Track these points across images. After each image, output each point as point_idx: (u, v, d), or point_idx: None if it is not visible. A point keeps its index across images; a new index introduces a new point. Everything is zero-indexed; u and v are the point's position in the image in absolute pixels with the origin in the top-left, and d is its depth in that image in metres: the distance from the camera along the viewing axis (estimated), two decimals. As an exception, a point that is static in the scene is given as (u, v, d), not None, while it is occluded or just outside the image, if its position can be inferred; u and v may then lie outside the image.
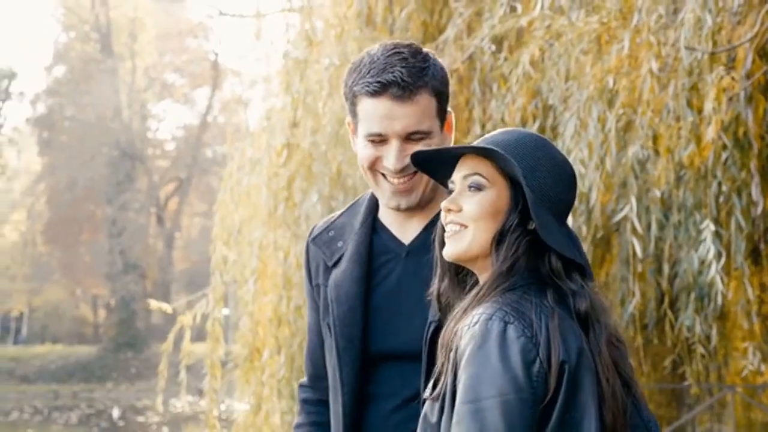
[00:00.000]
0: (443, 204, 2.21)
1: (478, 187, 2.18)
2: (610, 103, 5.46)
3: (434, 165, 2.31)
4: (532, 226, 2.15)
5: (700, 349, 6.69)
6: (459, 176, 2.22)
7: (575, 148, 5.35)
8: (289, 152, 7.16)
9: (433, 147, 2.41)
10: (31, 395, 37.20)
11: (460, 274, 2.30)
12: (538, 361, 1.99)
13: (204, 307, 8.01)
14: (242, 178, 7.70)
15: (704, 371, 7.73)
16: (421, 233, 2.55)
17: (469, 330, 2.03)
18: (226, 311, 8.39)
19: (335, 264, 2.62)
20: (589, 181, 5.34)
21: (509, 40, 6.33)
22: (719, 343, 7.59)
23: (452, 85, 6.45)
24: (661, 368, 9.13)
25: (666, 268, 6.37)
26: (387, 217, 2.62)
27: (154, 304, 9.20)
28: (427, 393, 2.17)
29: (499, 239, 2.15)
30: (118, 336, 43.27)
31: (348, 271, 2.57)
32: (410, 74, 2.40)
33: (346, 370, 2.53)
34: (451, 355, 2.08)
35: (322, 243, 2.69)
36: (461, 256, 2.19)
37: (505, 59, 6.14)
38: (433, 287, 2.33)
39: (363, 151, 2.50)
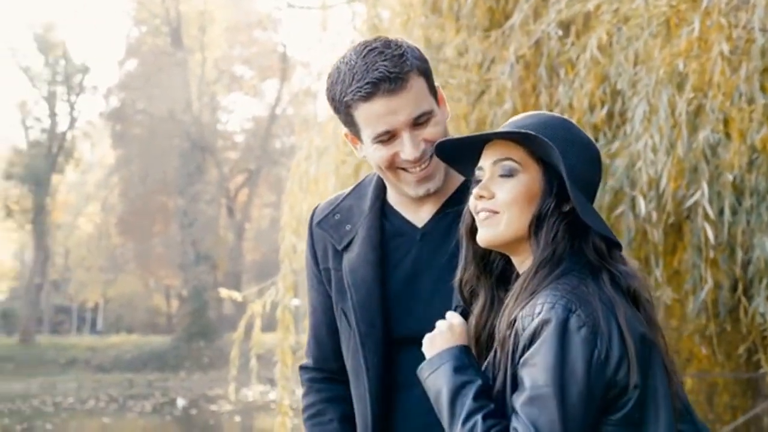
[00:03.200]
0: (475, 191, 2.19)
1: (510, 173, 2.15)
2: (680, 87, 5.37)
3: (457, 152, 2.29)
4: (566, 208, 2.13)
5: (775, 337, 6.58)
6: (488, 162, 2.19)
7: (645, 133, 5.28)
8: (355, 140, 7.17)
9: (437, 124, 2.45)
10: (106, 384, 37.73)
11: (485, 263, 2.28)
12: (597, 352, 1.98)
13: (273, 296, 8.04)
14: (310, 167, 7.72)
15: (780, 359, 7.60)
16: (434, 216, 2.54)
17: (533, 320, 2.01)
18: (296, 301, 8.42)
19: (346, 248, 2.61)
20: (659, 166, 5.27)
21: (576, 25, 6.26)
22: (795, 331, 7.45)
23: (519, 71, 6.45)
24: (735, 357, 8.98)
25: (739, 254, 6.25)
26: (397, 200, 2.61)
27: (224, 292, 9.27)
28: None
29: (537, 224, 2.12)
30: (190, 326, 43.72)
31: (362, 255, 2.57)
32: (394, 64, 2.39)
33: (370, 356, 2.54)
34: (510, 346, 2.06)
35: (329, 226, 2.68)
36: (495, 242, 2.17)
37: (573, 44, 6.08)
38: (457, 276, 2.32)
39: (376, 153, 2.48)
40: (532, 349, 2.00)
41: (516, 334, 2.04)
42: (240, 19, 50.04)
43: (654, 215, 5.59)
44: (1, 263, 53.56)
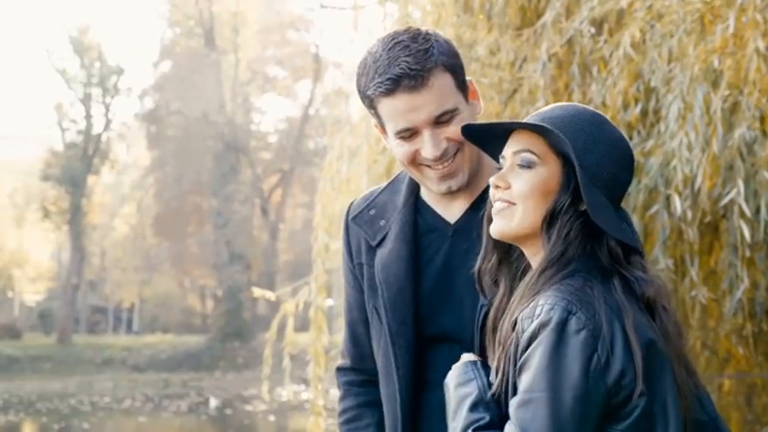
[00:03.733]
0: (492, 180, 2.13)
1: (529, 165, 2.08)
2: (715, 84, 5.33)
3: (485, 138, 2.22)
4: (583, 207, 2.05)
5: (813, 337, 6.52)
6: (509, 152, 2.12)
7: (679, 131, 5.24)
8: (387, 140, 7.17)
9: (462, 121, 2.36)
10: (142, 384, 37.95)
11: (505, 252, 2.21)
12: (596, 356, 1.91)
13: (306, 296, 8.05)
14: (342, 167, 7.72)
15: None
16: (466, 211, 2.49)
17: (532, 322, 1.95)
18: (329, 301, 8.42)
19: (379, 244, 2.57)
20: (694, 164, 5.22)
21: (609, 22, 6.22)
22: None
23: (551, 70, 6.41)
24: (772, 357, 8.92)
25: (776, 252, 6.20)
26: (430, 196, 2.55)
27: (257, 292, 9.29)
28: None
29: (549, 220, 2.05)
30: (225, 326, 43.90)
31: (395, 251, 2.52)
32: (416, 60, 2.32)
33: (401, 353, 2.48)
34: (511, 348, 2.00)
35: (363, 222, 2.63)
36: (508, 234, 2.11)
37: (605, 42, 6.04)
38: (476, 265, 2.26)
39: (398, 149, 2.43)
40: (528, 352, 1.94)
41: (517, 337, 1.99)
42: (273, 20, 50.22)
43: (689, 214, 5.54)
44: (39, 264, 54.00)
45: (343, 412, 2.75)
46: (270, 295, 9.01)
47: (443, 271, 2.47)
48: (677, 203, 5.37)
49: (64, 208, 46.37)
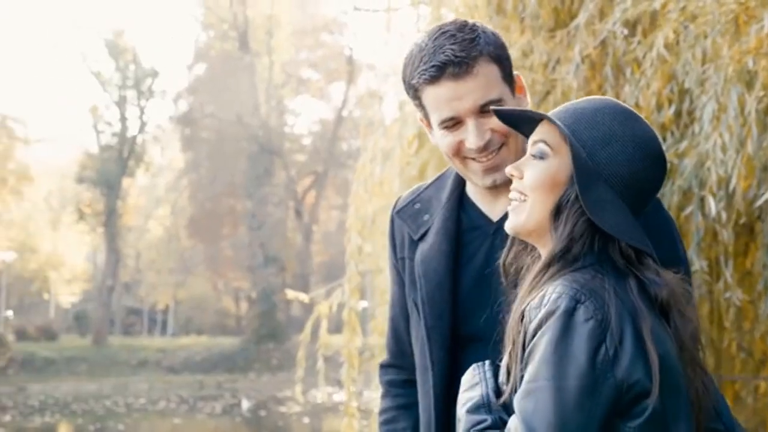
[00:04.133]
0: (507, 169, 2.09)
1: (541, 156, 2.02)
2: (750, 85, 5.29)
3: (521, 126, 2.15)
4: None
5: None
6: (530, 142, 2.08)
7: (714, 132, 5.21)
8: (420, 142, 7.17)
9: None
10: (177, 385, 38.19)
11: (530, 249, 2.13)
12: (604, 347, 1.83)
13: (340, 297, 8.07)
14: (375, 170, 7.74)
15: None
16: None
17: (539, 311, 1.88)
18: (363, 303, 8.44)
19: (421, 238, 2.53)
20: (729, 165, 5.18)
21: (642, 24, 6.19)
22: None
23: (584, 71, 6.40)
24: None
25: (813, 254, 6.16)
26: (475, 192, 2.51)
27: (291, 294, 9.31)
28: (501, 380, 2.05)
29: (555, 214, 1.98)
30: (259, 328, 44.09)
31: (436, 246, 2.48)
32: (462, 48, 2.27)
33: (436, 349, 2.44)
34: (519, 339, 1.93)
35: (407, 216, 2.60)
36: (519, 230, 2.06)
37: (639, 43, 6.01)
38: (501, 257, 2.19)
39: (443, 140, 2.39)
40: (534, 341, 1.87)
41: (524, 328, 1.92)
42: (306, 22, 50.37)
43: (724, 215, 5.50)
44: (74, 266, 54.41)
45: (383, 411, 2.75)
46: (304, 297, 9.04)
47: (482, 270, 2.41)
48: (712, 205, 5.34)
49: (99, 210, 46.74)
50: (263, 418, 28.42)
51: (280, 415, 28.91)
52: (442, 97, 2.31)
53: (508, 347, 2.00)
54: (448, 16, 7.69)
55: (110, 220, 45.83)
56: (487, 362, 2.13)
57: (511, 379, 1.96)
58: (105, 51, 47.67)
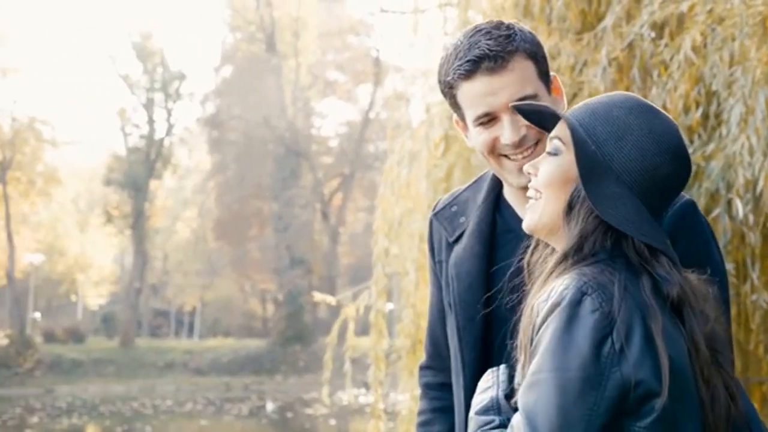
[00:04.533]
0: (525, 166, 2.08)
1: (555, 152, 2.00)
2: (777, 87, 5.29)
3: (547, 125, 2.12)
4: None
5: None
6: (548, 139, 2.06)
7: (741, 134, 5.21)
8: (447, 144, 7.18)
9: None
10: (204, 387, 38.36)
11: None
12: (610, 341, 1.77)
13: (367, 300, 8.09)
14: (402, 172, 7.75)
15: None
16: None
17: (546, 304, 1.84)
18: (390, 306, 8.45)
19: (456, 240, 2.52)
20: (756, 168, 5.18)
21: (670, 26, 6.19)
22: None
23: (612, 74, 6.40)
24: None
25: (840, 257, 6.13)
26: (511, 194, 2.49)
27: (317, 296, 9.34)
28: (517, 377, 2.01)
29: (568, 210, 1.95)
30: (286, 330, 44.17)
31: (469, 248, 2.47)
32: (498, 43, 2.26)
33: (468, 350, 2.43)
34: (529, 334, 1.88)
35: (444, 218, 2.59)
36: (534, 228, 2.03)
37: (666, 45, 6.01)
38: (526, 257, 2.15)
39: (477, 138, 2.37)
40: (539, 334, 1.83)
41: (533, 324, 1.87)
42: (333, 24, 50.44)
43: (751, 218, 5.49)
44: (102, 268, 54.69)
45: (420, 413, 2.73)
46: (330, 299, 9.07)
47: (515, 273, 2.35)
48: (739, 207, 5.33)
49: (127, 212, 46.96)
50: (290, 420, 28.49)
51: (306, 417, 28.97)
52: (477, 92, 2.30)
53: (521, 344, 1.94)
54: (476, 19, 7.71)
55: (137, 222, 46.04)
56: (502, 366, 2.12)
57: (523, 372, 1.91)
58: (133, 54, 47.91)
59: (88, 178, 54.78)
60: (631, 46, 6.29)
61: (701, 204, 5.72)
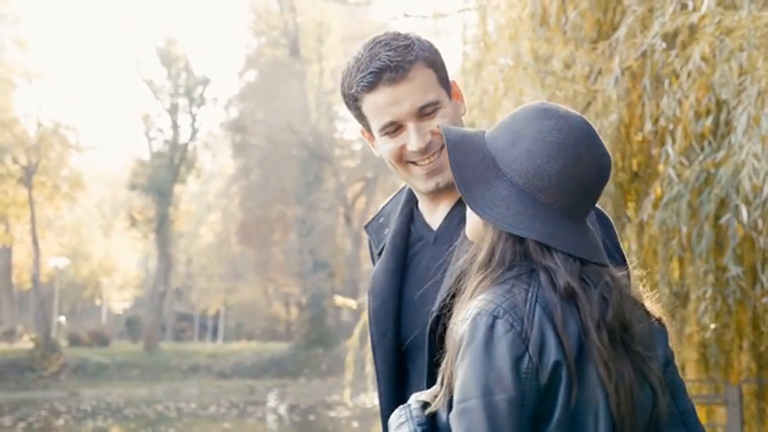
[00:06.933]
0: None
1: None
2: (785, 97, 5.39)
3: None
4: None
5: None
6: None
7: (748, 142, 5.33)
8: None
9: (446, 116, 2.34)
10: (227, 390, 38.45)
11: None
12: (527, 356, 1.84)
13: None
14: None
15: None
16: (446, 217, 2.44)
17: (461, 327, 1.90)
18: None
19: (380, 253, 2.56)
20: (762, 174, 5.30)
21: (681, 37, 6.32)
22: None
23: (625, 82, 6.54)
24: None
25: None
26: (422, 203, 2.52)
27: (339, 299, 9.46)
28: (429, 392, 2.08)
29: (484, 222, 1.99)
30: (309, 333, 44.21)
31: (383, 263, 2.50)
32: (398, 54, 2.30)
33: (381, 364, 2.48)
34: (450, 353, 1.94)
35: (373, 230, 2.65)
36: (470, 238, 2.07)
37: (677, 56, 6.13)
38: (459, 262, 2.13)
39: (384, 147, 2.40)
40: (458, 360, 1.89)
41: (453, 344, 1.93)
42: (356, 29, 50.45)
43: (760, 223, 5.61)
44: (126, 272, 54.95)
45: None
46: (352, 303, 9.17)
47: (423, 280, 2.39)
48: (744, 213, 5.45)
49: (151, 216, 47.12)
50: (312, 422, 28.58)
51: (329, 419, 29.06)
52: (381, 102, 2.34)
53: (444, 367, 1.99)
54: (493, 27, 7.84)
55: (162, 227, 46.20)
56: (411, 402, 2.13)
57: (444, 386, 1.97)
58: (157, 59, 48.12)
59: (112, 183, 55.08)
60: (644, 55, 6.41)
61: (711, 210, 5.85)
